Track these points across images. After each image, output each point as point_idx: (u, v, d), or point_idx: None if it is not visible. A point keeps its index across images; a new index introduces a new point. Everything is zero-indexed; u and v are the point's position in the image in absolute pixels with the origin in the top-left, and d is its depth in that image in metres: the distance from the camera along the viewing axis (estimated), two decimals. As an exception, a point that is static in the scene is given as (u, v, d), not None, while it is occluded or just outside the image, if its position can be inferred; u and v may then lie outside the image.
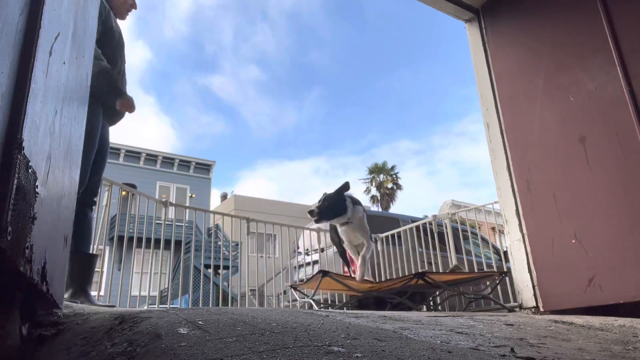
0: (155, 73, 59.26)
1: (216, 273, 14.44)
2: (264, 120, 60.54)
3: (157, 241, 5.20)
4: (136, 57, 56.54)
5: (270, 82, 60.28)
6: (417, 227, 6.26)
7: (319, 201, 3.40)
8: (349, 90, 61.80)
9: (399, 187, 30.92)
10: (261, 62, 59.17)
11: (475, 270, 5.72)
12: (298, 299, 5.05)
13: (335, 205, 3.34)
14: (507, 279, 4.88)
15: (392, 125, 64.68)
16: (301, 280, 5.21)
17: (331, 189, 3.73)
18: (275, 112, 60.77)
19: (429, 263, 6.15)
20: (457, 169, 68.60)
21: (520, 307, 2.74)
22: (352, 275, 4.34)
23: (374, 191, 31.01)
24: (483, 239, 7.18)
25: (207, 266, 14.00)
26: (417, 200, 60.48)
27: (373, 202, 30.73)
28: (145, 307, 3.05)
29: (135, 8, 2.82)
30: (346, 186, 3.44)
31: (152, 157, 22.53)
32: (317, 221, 3.33)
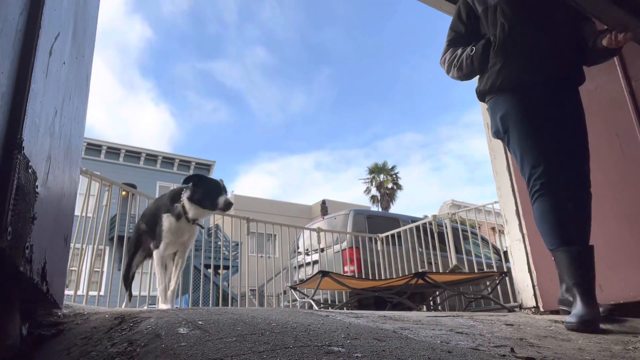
0: (154, 53, 56.33)
1: (216, 273, 14.45)
2: (270, 107, 58.21)
3: (157, 241, 5.20)
4: (135, 34, 54.51)
5: (278, 65, 57.68)
6: (417, 227, 6.27)
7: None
8: (358, 74, 59.57)
9: (399, 187, 30.94)
10: (268, 43, 56.34)
11: (475, 270, 5.72)
12: (298, 299, 5.05)
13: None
14: (507, 279, 4.89)
15: (398, 115, 63.33)
16: (301, 280, 5.20)
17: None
18: (282, 97, 57.93)
19: (429, 263, 6.16)
20: (463, 163, 67.40)
21: (520, 307, 2.74)
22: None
23: (374, 191, 31.04)
24: (483, 239, 7.19)
25: (207, 266, 14.00)
26: (421, 198, 59.77)
27: (373, 202, 30.76)
28: (145, 307, 3.05)
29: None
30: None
31: (152, 157, 22.55)
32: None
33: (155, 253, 2.75)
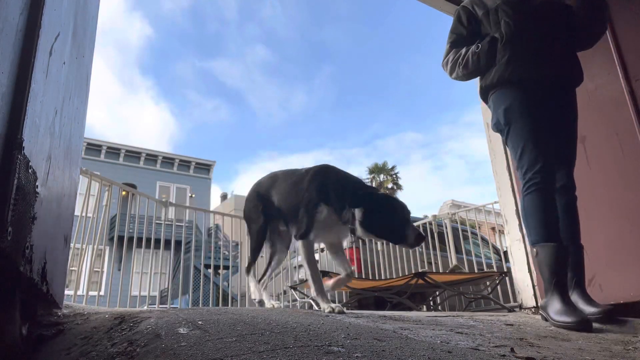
0: (154, 51, 55.29)
1: (216, 273, 14.45)
2: (271, 105, 57.22)
3: (157, 241, 5.21)
4: (135, 32, 53.32)
5: (278, 64, 57.09)
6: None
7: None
8: (359, 73, 59.03)
9: (399, 187, 30.95)
10: (269, 42, 55.71)
11: (475, 270, 5.72)
12: (298, 299, 5.05)
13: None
14: (507, 279, 4.89)
15: (399, 114, 62.86)
16: (301, 280, 5.20)
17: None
18: (283, 96, 57.13)
19: (429, 263, 6.16)
20: (464, 162, 66.96)
21: (520, 307, 2.74)
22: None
23: (374, 191, 31.00)
24: (483, 239, 7.19)
25: (207, 266, 14.00)
26: (421, 198, 59.63)
27: (373, 202, 30.70)
28: (145, 307, 3.05)
29: None
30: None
31: (152, 157, 22.55)
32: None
33: (301, 243, 2.13)
